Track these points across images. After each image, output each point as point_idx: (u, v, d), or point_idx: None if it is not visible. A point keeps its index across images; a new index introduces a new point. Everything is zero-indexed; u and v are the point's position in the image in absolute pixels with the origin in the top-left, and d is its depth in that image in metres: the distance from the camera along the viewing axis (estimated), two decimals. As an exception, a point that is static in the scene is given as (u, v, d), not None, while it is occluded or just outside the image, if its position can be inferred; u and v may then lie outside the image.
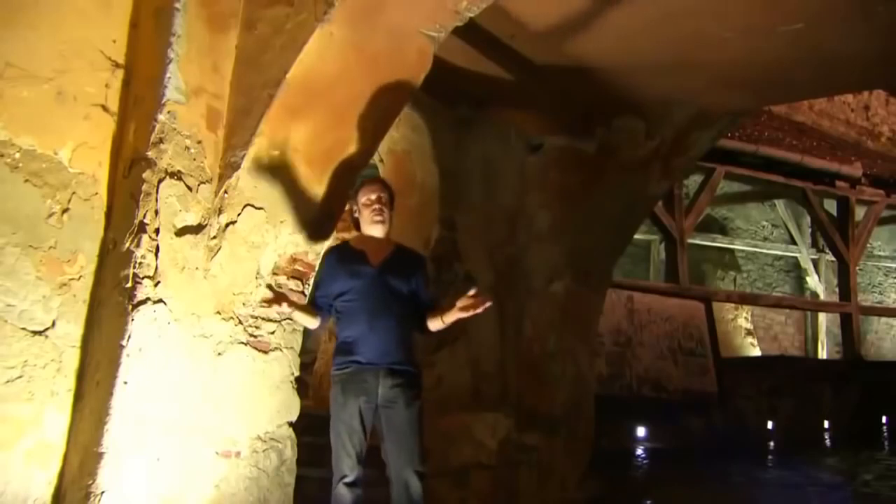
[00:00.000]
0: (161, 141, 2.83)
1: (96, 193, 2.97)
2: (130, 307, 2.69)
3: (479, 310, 2.84)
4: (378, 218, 3.01)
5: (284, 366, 3.09)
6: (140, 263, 2.73)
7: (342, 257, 3.02)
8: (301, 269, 3.16)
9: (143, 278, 2.72)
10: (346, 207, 3.20)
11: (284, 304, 2.77)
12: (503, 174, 4.78)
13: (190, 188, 2.89)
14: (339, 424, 2.85)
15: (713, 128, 4.84)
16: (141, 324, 2.69)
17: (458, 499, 4.34)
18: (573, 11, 3.48)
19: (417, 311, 2.99)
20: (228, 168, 2.95)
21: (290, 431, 3.08)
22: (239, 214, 2.97)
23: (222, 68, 3.04)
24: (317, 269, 3.11)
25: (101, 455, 2.57)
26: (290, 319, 3.07)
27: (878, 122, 13.13)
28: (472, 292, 2.83)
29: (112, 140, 3.02)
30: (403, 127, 4.54)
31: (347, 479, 2.80)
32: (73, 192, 2.90)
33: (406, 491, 2.80)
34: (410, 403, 2.87)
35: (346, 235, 6.38)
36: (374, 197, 3.03)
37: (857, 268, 11.09)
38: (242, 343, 2.96)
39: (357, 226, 3.10)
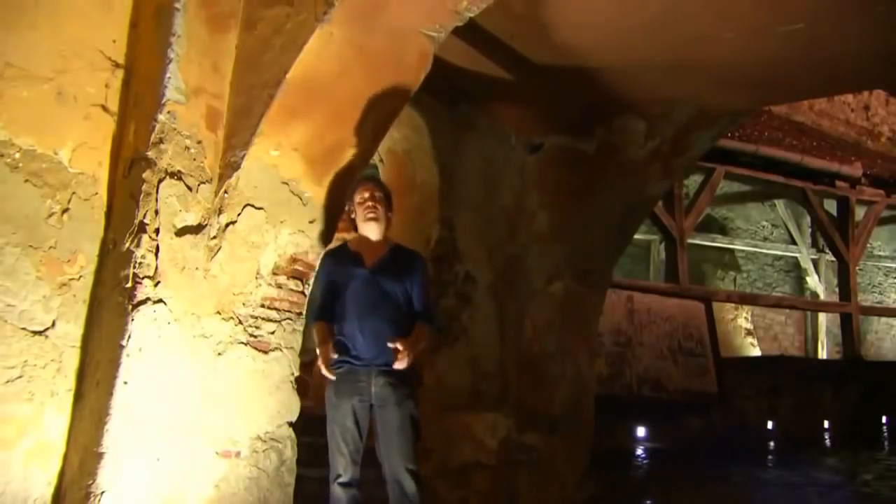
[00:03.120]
0: (161, 141, 2.83)
1: (96, 193, 2.96)
2: (130, 307, 2.69)
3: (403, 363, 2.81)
4: (371, 215, 3.03)
5: (284, 366, 3.09)
6: (140, 263, 2.73)
7: (338, 260, 3.06)
8: (301, 269, 3.16)
9: (143, 278, 2.72)
10: (346, 209, 3.21)
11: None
12: (503, 174, 4.78)
13: (190, 188, 2.89)
14: (333, 425, 2.87)
15: (713, 128, 4.84)
16: (141, 324, 2.69)
17: (458, 499, 4.34)
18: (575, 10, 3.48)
19: (412, 310, 3.00)
20: (228, 168, 2.95)
21: (290, 431, 3.08)
22: (239, 214, 2.97)
23: (222, 68, 3.04)
24: (316, 274, 3.11)
25: (101, 455, 2.57)
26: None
27: (878, 122, 13.13)
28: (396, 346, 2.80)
29: (112, 140, 3.02)
30: (404, 127, 4.54)
31: (342, 479, 2.81)
32: (73, 192, 2.89)
33: (400, 490, 2.81)
34: (402, 402, 2.87)
35: (347, 236, 6.39)
36: (366, 195, 3.05)
37: (857, 268, 11.08)
38: (242, 343, 2.96)
39: (355, 227, 3.12)
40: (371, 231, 3.06)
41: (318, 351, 2.94)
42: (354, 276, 2.97)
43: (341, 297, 2.96)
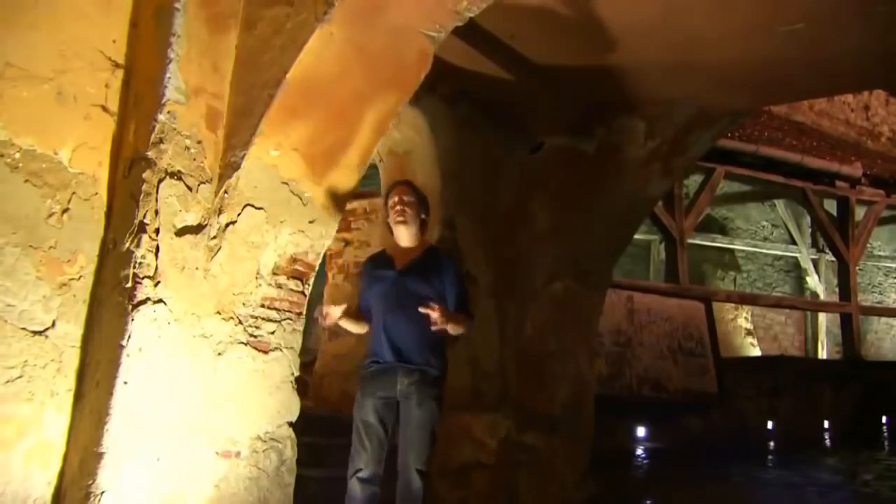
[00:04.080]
0: (161, 141, 2.83)
1: (96, 193, 2.96)
2: (130, 307, 2.68)
3: (437, 323, 2.85)
4: (400, 218, 3.10)
5: (284, 366, 3.09)
6: (140, 263, 2.73)
7: (375, 264, 3.19)
8: (301, 269, 3.16)
9: (143, 278, 2.72)
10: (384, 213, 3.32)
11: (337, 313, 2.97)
12: (503, 174, 4.78)
13: (190, 188, 2.89)
14: (357, 421, 2.97)
15: (713, 128, 4.84)
16: (141, 324, 2.69)
17: (458, 499, 4.34)
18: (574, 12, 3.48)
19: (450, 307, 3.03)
20: (228, 168, 2.95)
21: (290, 431, 3.08)
22: (239, 214, 2.97)
23: (222, 68, 3.04)
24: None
25: (101, 455, 2.57)
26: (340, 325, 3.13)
27: (878, 122, 13.12)
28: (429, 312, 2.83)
29: (112, 140, 3.02)
30: (404, 127, 4.54)
31: (361, 474, 2.85)
32: (73, 192, 2.89)
33: (407, 487, 2.83)
34: (423, 402, 2.90)
35: (347, 236, 6.40)
36: (396, 199, 3.15)
37: (857, 268, 11.08)
38: (242, 343, 2.96)
39: (391, 231, 3.18)
40: (401, 234, 3.13)
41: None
42: (383, 278, 3.04)
43: (372, 300, 3.07)
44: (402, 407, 2.93)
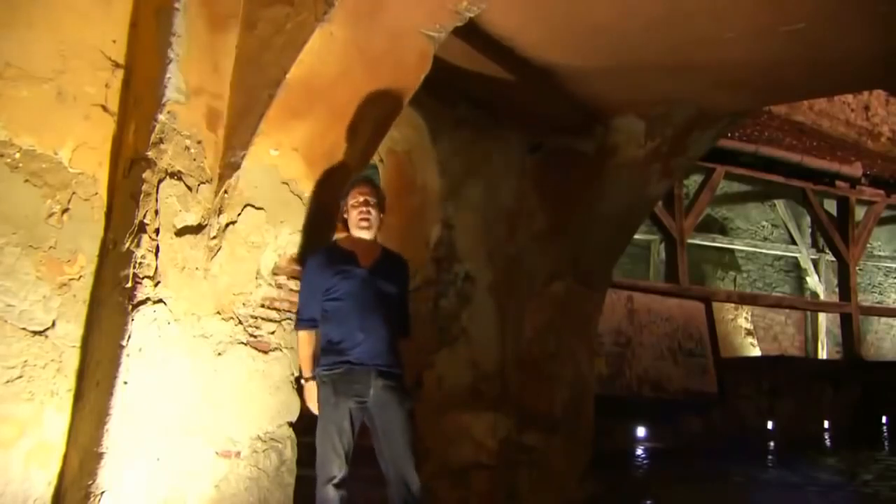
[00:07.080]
0: (161, 141, 2.83)
1: (96, 193, 2.97)
2: (130, 307, 2.69)
3: None
4: (364, 223, 2.99)
5: (284, 366, 3.09)
6: (140, 263, 2.73)
7: (331, 257, 2.99)
8: (301, 269, 3.16)
9: (143, 278, 2.72)
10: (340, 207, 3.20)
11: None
12: (503, 174, 4.78)
13: (190, 188, 2.89)
14: (330, 425, 2.82)
15: (713, 128, 4.84)
16: (141, 324, 2.69)
17: (458, 499, 4.34)
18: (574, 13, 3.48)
19: (402, 314, 3.04)
20: (228, 168, 2.95)
21: (290, 431, 3.08)
22: (239, 214, 2.97)
23: (222, 68, 3.04)
24: (303, 276, 3.06)
25: (101, 455, 2.57)
26: None
27: (878, 122, 13.10)
28: None
29: (112, 140, 3.03)
30: (404, 127, 4.53)
31: (336, 480, 2.79)
32: (73, 192, 2.90)
33: (407, 488, 2.80)
34: (403, 402, 2.89)
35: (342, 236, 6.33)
36: (361, 199, 3.00)
37: (857, 268, 11.08)
38: (242, 343, 2.96)
39: (346, 226, 3.09)
40: (363, 234, 3.05)
41: (301, 365, 2.99)
42: (351, 275, 2.93)
43: (334, 295, 2.93)
44: (378, 412, 2.83)
